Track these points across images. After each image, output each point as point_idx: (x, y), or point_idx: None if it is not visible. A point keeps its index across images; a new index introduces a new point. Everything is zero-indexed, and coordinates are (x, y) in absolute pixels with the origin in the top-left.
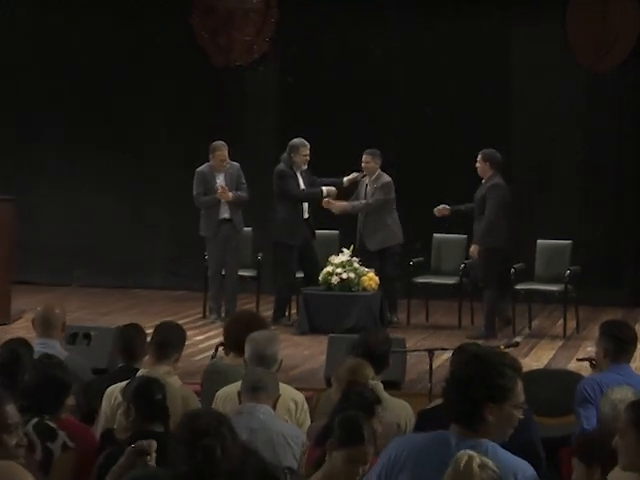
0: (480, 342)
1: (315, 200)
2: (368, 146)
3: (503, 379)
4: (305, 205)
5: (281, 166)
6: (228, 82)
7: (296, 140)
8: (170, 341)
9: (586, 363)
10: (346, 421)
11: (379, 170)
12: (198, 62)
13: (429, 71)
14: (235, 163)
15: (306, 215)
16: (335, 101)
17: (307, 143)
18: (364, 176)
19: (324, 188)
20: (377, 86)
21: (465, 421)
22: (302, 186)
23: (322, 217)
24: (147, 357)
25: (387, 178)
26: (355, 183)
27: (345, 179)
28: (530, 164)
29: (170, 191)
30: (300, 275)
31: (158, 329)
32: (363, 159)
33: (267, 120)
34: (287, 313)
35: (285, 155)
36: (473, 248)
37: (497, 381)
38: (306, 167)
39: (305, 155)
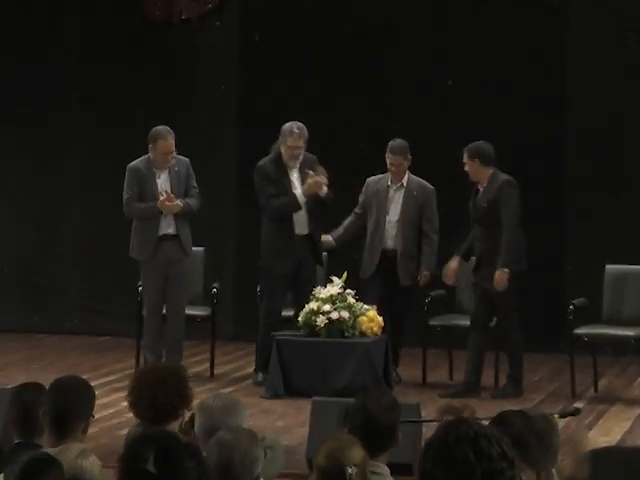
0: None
1: (289, 212)
2: (361, 129)
3: None
4: (301, 216)
5: (263, 160)
6: (171, 42)
7: (287, 124)
8: (72, 408)
9: None
10: None
11: (407, 170)
12: (130, 15)
13: (449, 25)
14: (183, 158)
15: (305, 230)
16: (318, 67)
17: (298, 130)
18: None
19: (298, 194)
20: (375, 46)
21: None
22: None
23: None
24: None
25: (429, 185)
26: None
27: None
28: (593, 158)
29: (90, 196)
30: (289, 312)
31: (52, 392)
32: (391, 160)
33: (225, 94)
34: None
35: (276, 144)
36: (499, 275)
37: None
38: (298, 164)
39: (292, 146)
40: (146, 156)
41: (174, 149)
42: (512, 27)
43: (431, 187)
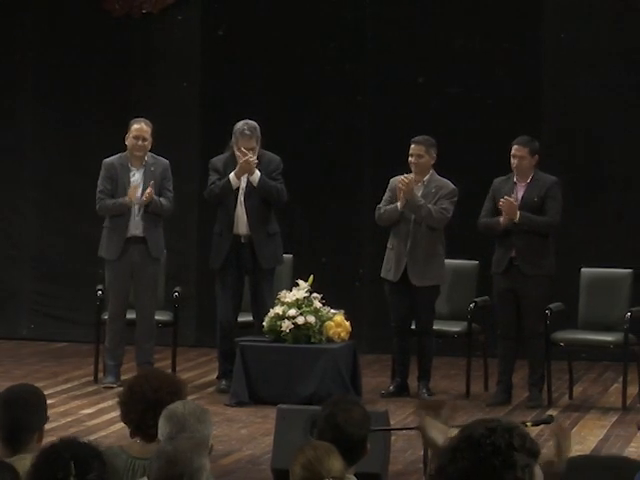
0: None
1: (223, 193)
2: (329, 128)
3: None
4: (239, 214)
5: (216, 157)
6: (131, 37)
7: (238, 124)
8: (24, 419)
9: None
10: None
11: (432, 169)
12: (88, 10)
13: (424, 22)
14: (163, 160)
15: (244, 229)
16: (286, 63)
17: (249, 132)
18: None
19: (231, 175)
20: (348, 41)
21: None
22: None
23: None
24: None
25: (451, 184)
26: None
27: None
28: (569, 159)
29: (45, 196)
30: (246, 318)
31: (2, 405)
32: (413, 150)
33: (187, 92)
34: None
35: (231, 143)
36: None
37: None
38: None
39: (245, 148)
40: (123, 153)
41: (147, 136)
42: (485, 23)
43: (452, 186)
